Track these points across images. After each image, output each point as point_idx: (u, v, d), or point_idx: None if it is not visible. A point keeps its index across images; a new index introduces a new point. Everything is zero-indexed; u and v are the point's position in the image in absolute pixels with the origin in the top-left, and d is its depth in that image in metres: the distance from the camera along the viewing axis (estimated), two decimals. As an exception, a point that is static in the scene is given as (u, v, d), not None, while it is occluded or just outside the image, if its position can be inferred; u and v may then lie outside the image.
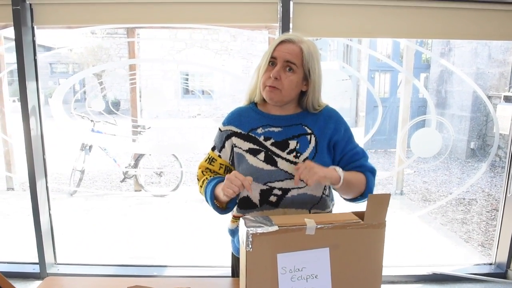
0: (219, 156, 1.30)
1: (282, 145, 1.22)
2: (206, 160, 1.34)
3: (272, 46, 1.21)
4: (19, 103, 2.40)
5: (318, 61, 1.21)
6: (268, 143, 1.22)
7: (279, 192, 1.20)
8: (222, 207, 1.25)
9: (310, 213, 1.22)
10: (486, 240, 3.61)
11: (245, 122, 1.26)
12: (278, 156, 1.20)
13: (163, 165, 4.89)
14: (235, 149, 1.26)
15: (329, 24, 2.47)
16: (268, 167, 1.20)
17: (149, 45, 11.81)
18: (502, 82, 6.67)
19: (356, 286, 1.01)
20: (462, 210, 4.48)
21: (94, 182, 5.33)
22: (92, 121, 4.48)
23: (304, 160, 1.19)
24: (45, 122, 2.54)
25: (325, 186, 1.25)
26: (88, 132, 4.45)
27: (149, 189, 4.82)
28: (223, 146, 1.29)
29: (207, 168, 1.33)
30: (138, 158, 4.63)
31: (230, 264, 1.44)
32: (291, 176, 1.19)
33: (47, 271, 2.61)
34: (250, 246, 0.94)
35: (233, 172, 1.12)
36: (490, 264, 2.93)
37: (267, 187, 1.20)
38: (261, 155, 1.21)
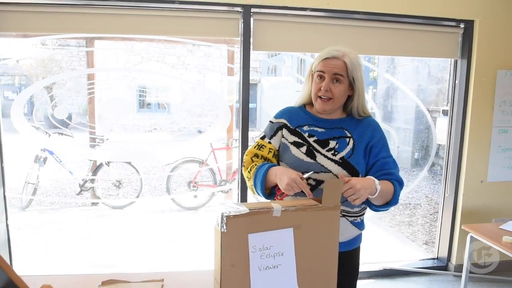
0: (269, 142, 1.43)
1: (323, 143, 1.37)
2: (255, 147, 1.45)
3: (319, 60, 1.36)
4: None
5: (360, 70, 1.37)
6: (311, 140, 1.38)
7: (313, 183, 1.34)
8: (267, 192, 1.39)
9: None
10: (430, 239, 3.94)
11: (294, 119, 1.43)
12: (318, 151, 1.36)
13: (121, 178, 4.84)
14: (282, 139, 1.42)
15: (285, 39, 2.68)
16: (308, 159, 1.35)
17: (104, 58, 11.58)
18: (440, 97, 7.31)
19: (316, 261, 1.15)
20: (408, 213, 4.84)
21: (48, 196, 5.13)
22: (47, 133, 4.37)
23: (340, 159, 1.34)
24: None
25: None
26: (44, 144, 4.34)
27: (107, 202, 4.73)
28: (274, 135, 1.44)
29: (256, 154, 1.44)
30: (95, 170, 4.56)
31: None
32: (326, 170, 1.33)
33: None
34: (224, 227, 1.06)
35: (294, 177, 1.24)
36: (434, 259, 3.22)
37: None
38: (303, 149, 1.37)
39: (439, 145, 4.08)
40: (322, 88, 1.34)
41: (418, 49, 2.91)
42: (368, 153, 1.39)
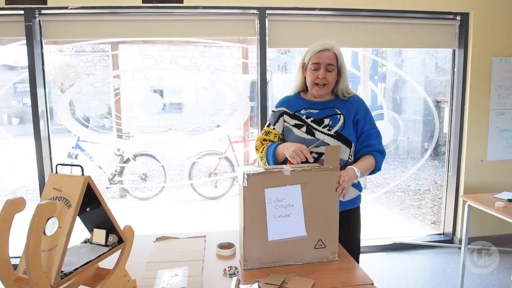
0: (274, 128, 1.74)
1: (319, 122, 1.65)
2: (263, 133, 1.76)
3: (312, 53, 1.62)
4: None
5: (343, 58, 1.66)
6: (308, 120, 1.66)
7: (316, 155, 1.61)
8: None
9: None
10: (437, 219, 4.17)
11: (292, 106, 1.72)
12: (316, 129, 1.64)
13: (147, 171, 5.21)
14: (285, 124, 1.71)
15: (297, 36, 2.95)
16: (308, 136, 1.63)
17: (122, 61, 11.99)
18: (448, 88, 7.44)
19: (320, 211, 1.44)
20: (417, 198, 5.06)
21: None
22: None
23: (335, 132, 1.61)
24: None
25: (350, 152, 1.65)
26: (74, 142, 4.73)
27: (134, 194, 5.10)
28: (276, 121, 1.73)
29: (264, 139, 1.75)
30: (124, 163, 4.93)
31: None
32: (324, 143, 1.60)
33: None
34: (246, 183, 1.35)
35: (299, 146, 1.52)
36: (440, 234, 3.46)
37: None
38: (303, 129, 1.65)
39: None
40: (319, 76, 1.61)
41: (418, 41, 3.14)
42: (356, 126, 1.67)
